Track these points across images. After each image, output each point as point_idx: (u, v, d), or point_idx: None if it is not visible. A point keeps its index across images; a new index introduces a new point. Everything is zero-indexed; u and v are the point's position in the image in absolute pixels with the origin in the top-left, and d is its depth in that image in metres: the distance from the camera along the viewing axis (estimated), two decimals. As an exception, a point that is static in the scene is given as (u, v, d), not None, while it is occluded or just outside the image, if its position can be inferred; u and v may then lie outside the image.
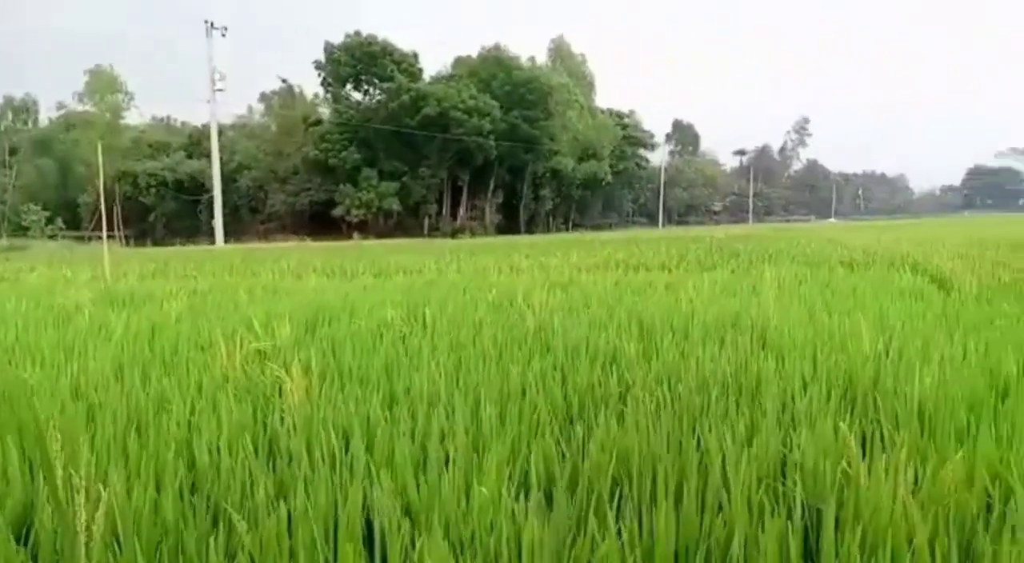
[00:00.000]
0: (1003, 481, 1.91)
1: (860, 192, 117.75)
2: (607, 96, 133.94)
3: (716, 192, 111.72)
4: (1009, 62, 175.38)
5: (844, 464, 1.87)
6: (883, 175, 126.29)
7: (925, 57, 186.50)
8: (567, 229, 74.66)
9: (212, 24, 47.63)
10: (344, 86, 63.40)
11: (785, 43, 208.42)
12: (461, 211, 67.32)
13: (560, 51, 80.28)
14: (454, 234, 58.43)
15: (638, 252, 14.29)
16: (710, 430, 2.32)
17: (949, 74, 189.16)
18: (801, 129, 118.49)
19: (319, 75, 63.21)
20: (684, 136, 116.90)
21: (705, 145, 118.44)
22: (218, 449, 2.29)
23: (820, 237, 22.95)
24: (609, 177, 76.29)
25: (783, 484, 1.92)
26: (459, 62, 68.85)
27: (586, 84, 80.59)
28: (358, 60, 61.39)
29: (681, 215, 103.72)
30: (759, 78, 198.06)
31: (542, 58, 77.11)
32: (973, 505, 1.78)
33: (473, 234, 59.10)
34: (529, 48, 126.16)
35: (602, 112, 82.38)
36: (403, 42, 70.29)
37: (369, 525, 1.85)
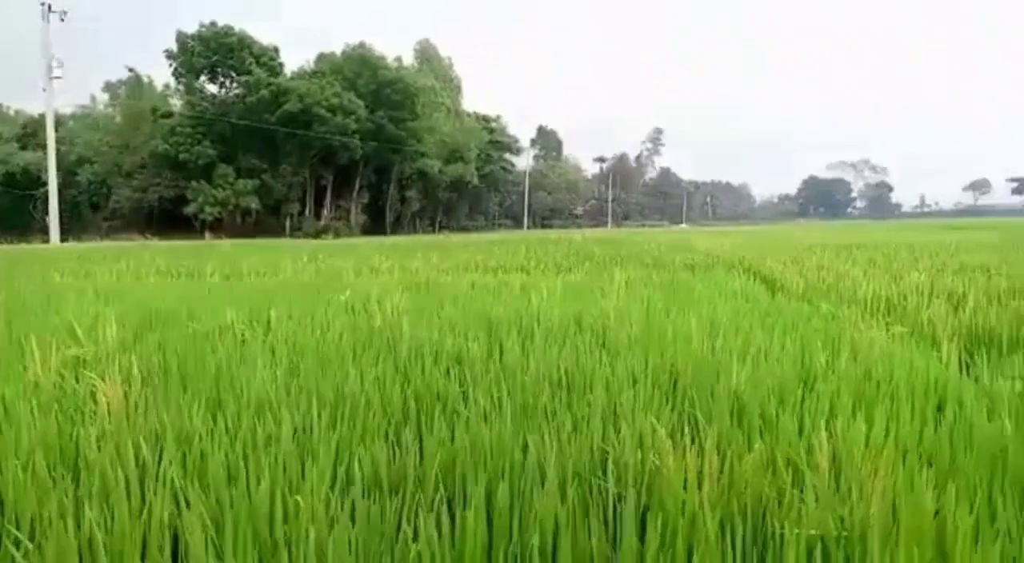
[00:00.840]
0: (796, 467, 2.08)
1: (709, 199, 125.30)
2: (474, 100, 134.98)
3: (578, 197, 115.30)
4: (841, 82, 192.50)
5: (653, 457, 1.96)
6: (729, 184, 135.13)
7: (767, 76, 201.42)
8: (433, 230, 74.52)
9: (49, 7, 43.72)
10: (198, 78, 60.14)
11: (642, 55, 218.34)
12: (325, 211, 65.59)
13: (426, 53, 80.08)
14: (317, 234, 56.81)
15: (499, 254, 14.47)
16: (540, 428, 2.37)
17: (788, 92, 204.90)
18: (655, 139, 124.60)
19: (171, 65, 59.60)
20: (548, 142, 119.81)
21: (568, 151, 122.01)
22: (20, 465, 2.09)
23: (671, 241, 24.18)
24: (475, 180, 76.89)
25: (600, 478, 1.99)
26: (323, 59, 67.10)
27: (453, 87, 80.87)
28: (213, 51, 58.41)
29: (545, 218, 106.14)
30: (619, 88, 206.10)
31: (409, 59, 76.57)
32: (770, 490, 1.91)
33: (337, 235, 57.72)
34: (395, 49, 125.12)
35: (469, 116, 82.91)
36: (263, 36, 67.40)
37: (176, 540, 1.75)
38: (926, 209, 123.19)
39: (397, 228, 69.77)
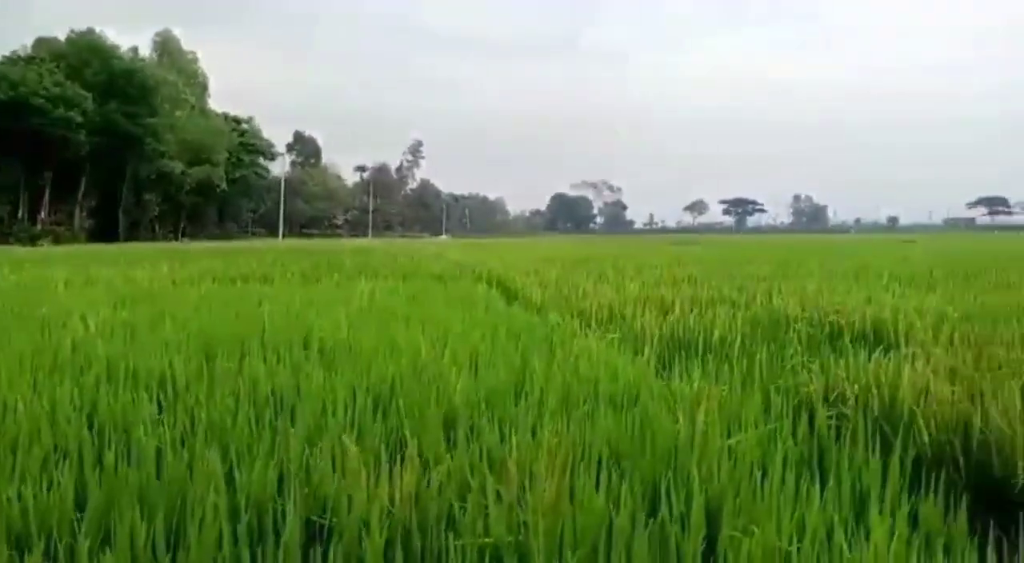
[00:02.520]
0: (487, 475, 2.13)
1: (467, 212, 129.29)
2: (224, 100, 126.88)
3: (338, 205, 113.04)
4: (583, 106, 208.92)
5: (341, 475, 1.90)
6: (486, 198, 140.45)
7: (513, 100, 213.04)
8: (176, 237, 68.68)
9: None
10: None
11: (405, 65, 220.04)
12: (42, 214, 57.68)
13: (167, 46, 73.77)
14: (33, 241, 49.69)
15: (243, 263, 13.64)
16: (234, 453, 2.21)
17: (541, 114, 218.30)
18: (416, 151, 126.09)
19: None
20: (306, 148, 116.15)
21: (327, 158, 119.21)
22: None
23: (427, 252, 24.50)
24: (224, 184, 72.15)
25: (278, 502, 1.89)
26: (41, 44, 59.12)
27: (198, 84, 75.27)
28: None
29: (303, 227, 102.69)
30: (380, 97, 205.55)
31: (147, 51, 70.04)
32: (456, 503, 1.92)
33: (57, 241, 50.97)
34: (132, 40, 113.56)
35: (217, 115, 77.67)
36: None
37: None
38: (654, 226, 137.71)
39: (134, 234, 63.24)
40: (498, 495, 1.80)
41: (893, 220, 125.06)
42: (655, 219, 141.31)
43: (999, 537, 2.01)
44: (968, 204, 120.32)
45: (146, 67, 62.51)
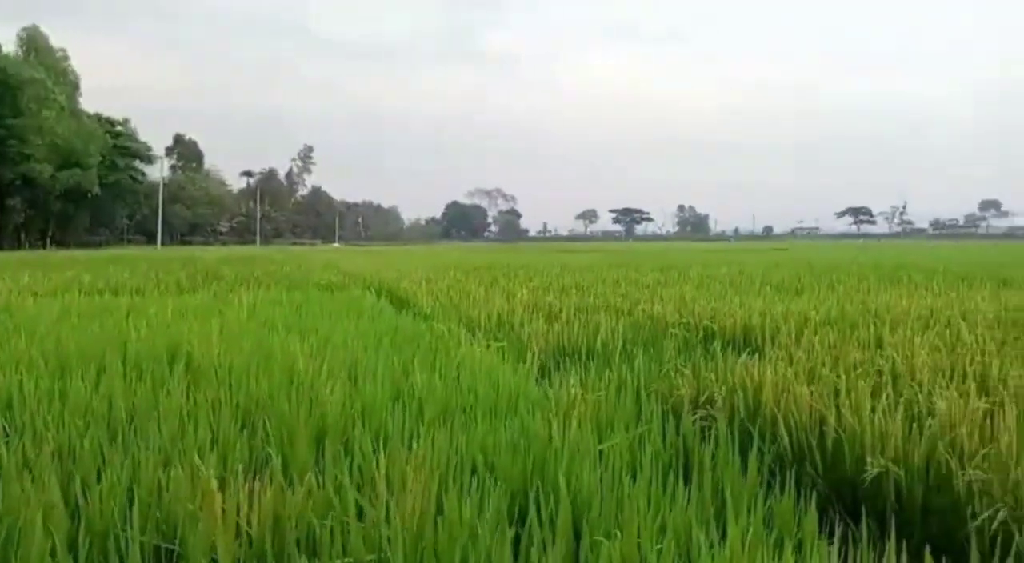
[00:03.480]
0: (360, 489, 2.07)
1: (360, 220, 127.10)
2: (98, 100, 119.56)
3: (223, 212, 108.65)
4: (469, 122, 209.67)
5: (198, 499, 1.81)
6: (380, 206, 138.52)
7: (408, 107, 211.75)
8: (44, 245, 64.04)
9: None
10: None
11: (288, 72, 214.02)
12: None
13: (34, 42, 68.74)
14: None
15: (114, 273, 12.85)
16: (78, 480, 2.05)
17: (435, 125, 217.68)
18: (306, 157, 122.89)
19: None
20: (187, 152, 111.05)
21: (211, 163, 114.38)
22: None
23: (318, 260, 23.89)
24: (97, 189, 67.89)
25: (123, 531, 1.77)
26: None
27: (68, 83, 70.53)
28: None
29: (185, 234, 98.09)
30: (267, 100, 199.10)
31: (11, 48, 65.08)
32: (318, 523, 1.86)
33: (-98, 249, 46.45)
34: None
35: (89, 117, 73.06)
36: None
37: None
38: (548, 234, 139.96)
39: (-7, 242, 58.51)
40: (360, 512, 1.76)
41: (768, 229, 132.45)
42: (548, 227, 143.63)
43: (844, 533, 2.14)
44: (836, 214, 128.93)
45: (9, 65, 58.07)
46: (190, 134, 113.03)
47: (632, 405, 3.21)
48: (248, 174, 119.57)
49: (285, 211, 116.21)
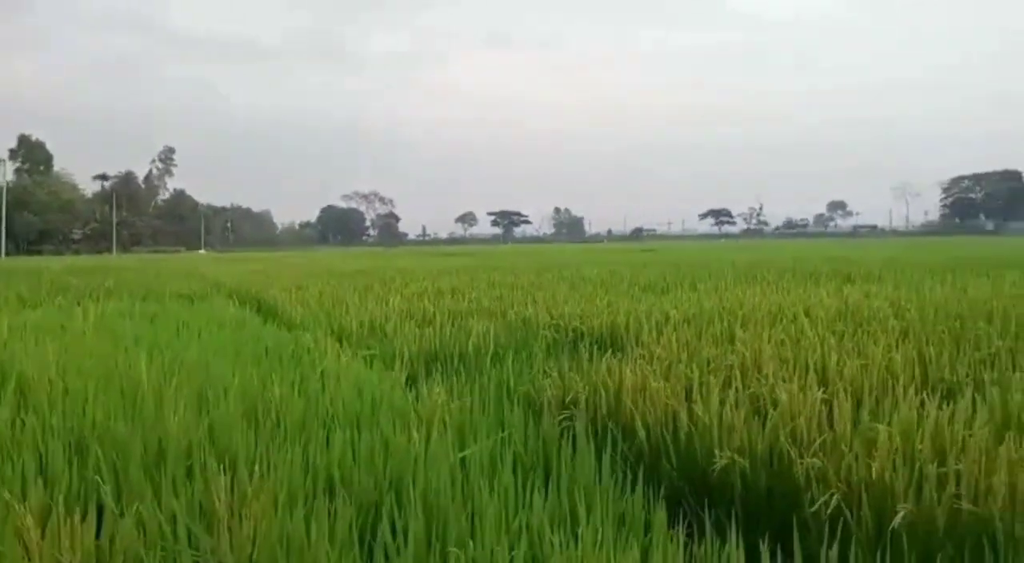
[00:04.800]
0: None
1: (229, 225, 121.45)
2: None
3: (76, 219, 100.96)
4: (344, 124, 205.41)
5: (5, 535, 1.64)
6: (250, 210, 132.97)
7: (279, 108, 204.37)
8: None
9: None
10: None
11: (147, 71, 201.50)
12: None
13: None
14: None
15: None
16: None
17: (309, 127, 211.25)
18: (167, 159, 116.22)
19: None
20: (34, 154, 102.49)
21: (61, 166, 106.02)
22: None
23: (180, 269, 22.62)
24: (-75, 194, 61.36)
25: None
26: None
27: None
28: None
29: (33, 243, 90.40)
30: (122, 100, 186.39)
31: None
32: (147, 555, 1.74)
33: None
34: None
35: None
36: None
37: None
38: (427, 237, 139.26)
39: None
40: (190, 540, 1.65)
41: (638, 230, 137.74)
42: (428, 231, 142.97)
43: (689, 523, 2.23)
44: (700, 215, 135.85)
45: None
46: (37, 135, 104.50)
47: (497, 410, 3.21)
48: (103, 177, 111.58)
49: (145, 216, 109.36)
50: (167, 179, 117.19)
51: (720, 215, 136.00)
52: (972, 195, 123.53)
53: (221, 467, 2.31)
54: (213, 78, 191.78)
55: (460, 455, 2.55)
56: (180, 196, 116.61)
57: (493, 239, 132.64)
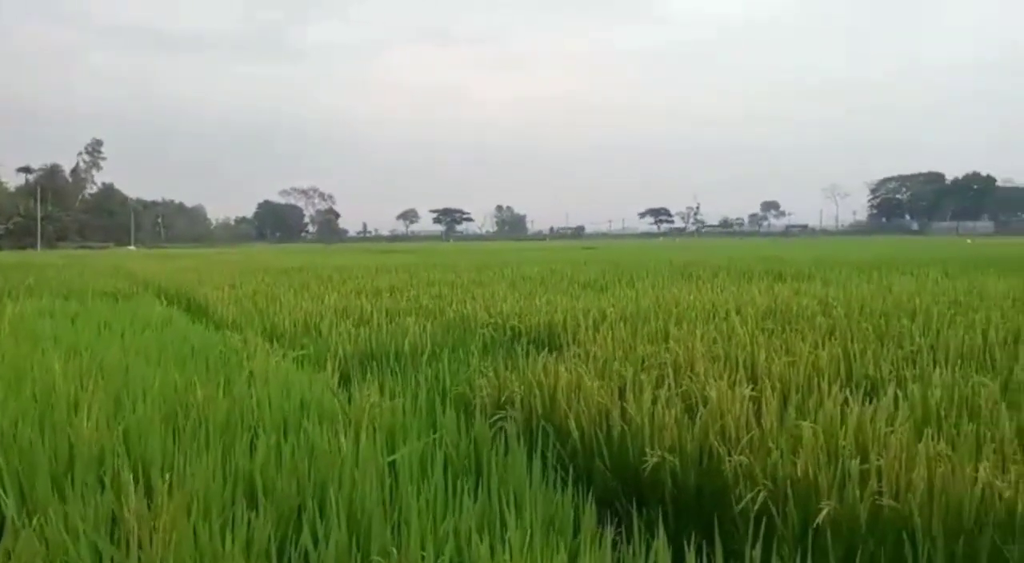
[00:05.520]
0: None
1: (160, 220, 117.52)
2: None
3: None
4: (281, 117, 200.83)
5: None
6: (182, 205, 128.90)
7: (213, 99, 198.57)
8: None
9: None
10: None
11: (70, 60, 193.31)
12: None
13: None
14: None
15: None
16: None
17: (244, 120, 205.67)
18: (95, 151, 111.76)
19: None
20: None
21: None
22: None
23: (107, 265, 21.78)
24: None
25: None
26: None
27: None
28: None
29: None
30: (46, 90, 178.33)
31: None
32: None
33: None
34: None
35: None
36: None
37: None
38: (368, 234, 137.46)
39: None
40: (97, 555, 1.56)
41: (580, 228, 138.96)
42: (369, 228, 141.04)
43: (620, 522, 2.22)
44: (639, 214, 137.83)
45: None
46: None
47: (430, 411, 3.16)
48: (27, 170, 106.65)
49: (71, 211, 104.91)
50: (95, 172, 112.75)
51: (659, 214, 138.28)
52: (898, 196, 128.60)
53: (134, 475, 2.21)
54: (143, 70, 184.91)
55: (389, 459, 2.50)
56: (109, 190, 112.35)
57: (435, 237, 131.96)
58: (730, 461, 2.72)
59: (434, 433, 2.84)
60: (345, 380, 4.65)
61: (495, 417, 3.52)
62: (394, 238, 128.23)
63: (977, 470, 2.30)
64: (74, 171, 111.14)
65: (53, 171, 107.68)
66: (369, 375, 4.83)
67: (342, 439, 2.58)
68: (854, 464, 2.45)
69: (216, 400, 3.24)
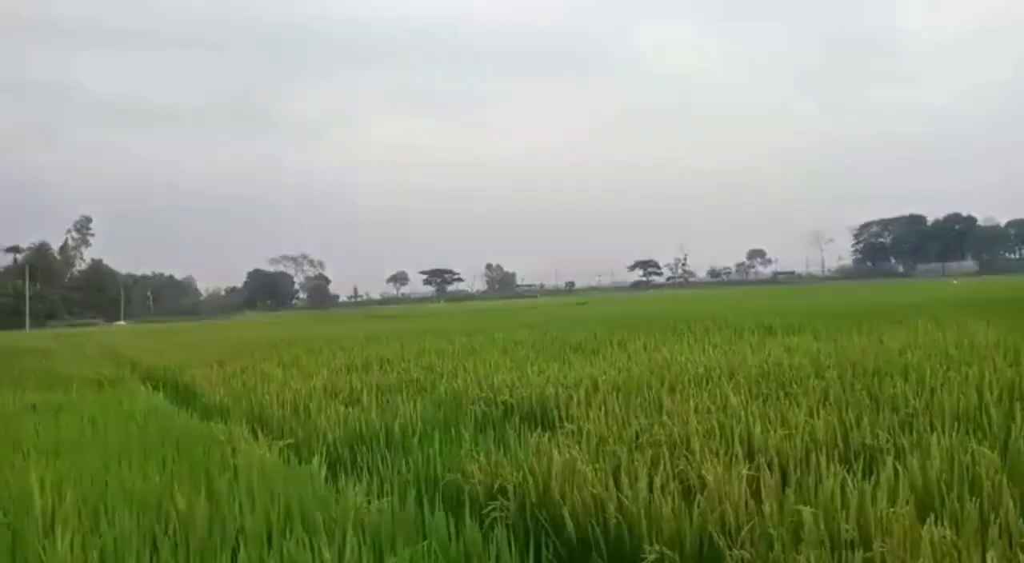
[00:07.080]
0: None
1: (150, 294, 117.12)
2: None
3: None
4: (270, 187, 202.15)
5: None
6: (172, 277, 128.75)
7: (201, 172, 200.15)
8: None
9: None
10: None
11: (57, 138, 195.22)
12: None
13: None
14: None
15: None
16: None
17: (233, 191, 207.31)
18: (83, 228, 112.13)
19: None
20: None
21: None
22: None
23: (95, 346, 21.58)
24: None
25: None
26: None
27: None
28: None
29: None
30: (33, 169, 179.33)
31: None
32: None
33: None
34: None
35: None
36: None
37: None
38: (359, 299, 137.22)
39: None
40: None
41: (570, 284, 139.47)
42: (360, 292, 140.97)
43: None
44: (628, 267, 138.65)
45: None
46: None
47: (418, 512, 3.06)
48: (15, 250, 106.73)
49: (60, 289, 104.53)
50: (84, 249, 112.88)
51: (647, 266, 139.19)
52: (882, 239, 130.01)
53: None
54: (130, 144, 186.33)
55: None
56: (98, 266, 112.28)
57: (426, 298, 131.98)
58: (731, 555, 2.63)
59: (423, 538, 2.75)
60: (333, 469, 4.54)
61: (488, 507, 3.42)
62: (384, 301, 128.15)
63: (984, 561, 2.23)
64: (63, 248, 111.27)
65: (41, 249, 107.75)
66: (359, 461, 4.72)
67: (326, 554, 2.48)
68: (857, 557, 2.37)
69: (197, 507, 3.13)
